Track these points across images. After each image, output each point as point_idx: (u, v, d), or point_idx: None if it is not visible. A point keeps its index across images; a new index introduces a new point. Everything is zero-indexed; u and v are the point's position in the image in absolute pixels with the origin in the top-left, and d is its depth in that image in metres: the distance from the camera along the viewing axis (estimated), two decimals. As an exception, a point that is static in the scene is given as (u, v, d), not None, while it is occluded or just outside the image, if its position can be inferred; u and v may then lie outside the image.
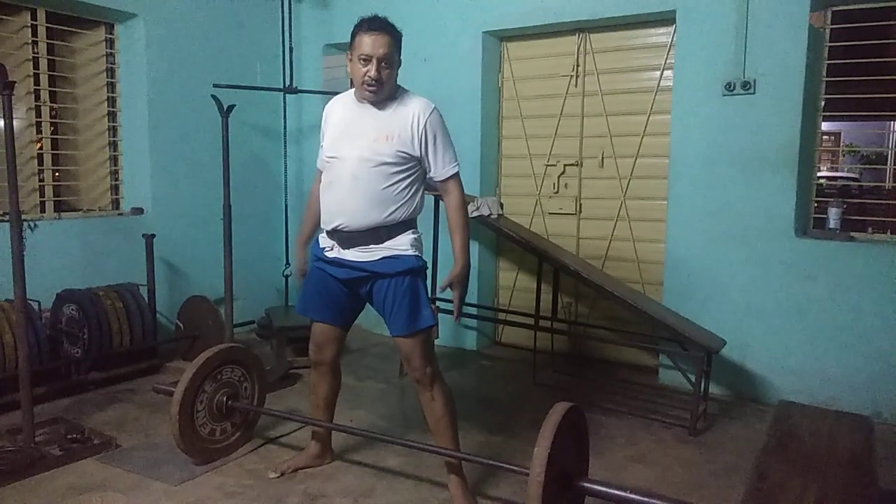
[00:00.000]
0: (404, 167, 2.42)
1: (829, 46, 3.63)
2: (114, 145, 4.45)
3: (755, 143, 3.66)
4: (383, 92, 2.41)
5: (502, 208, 4.13)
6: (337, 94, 2.64)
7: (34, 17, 3.96)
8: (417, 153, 2.42)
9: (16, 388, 2.94)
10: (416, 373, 2.48)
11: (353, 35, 2.40)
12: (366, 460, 2.93)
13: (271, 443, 3.11)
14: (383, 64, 2.36)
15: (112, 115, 4.41)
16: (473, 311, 4.59)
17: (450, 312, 4.36)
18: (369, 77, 2.35)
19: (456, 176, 2.48)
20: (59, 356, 3.71)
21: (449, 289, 2.49)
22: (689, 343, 3.43)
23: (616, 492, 2.05)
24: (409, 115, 2.40)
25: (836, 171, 10.25)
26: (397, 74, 2.46)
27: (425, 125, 2.39)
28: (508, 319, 4.55)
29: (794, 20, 3.51)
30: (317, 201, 2.69)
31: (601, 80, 4.31)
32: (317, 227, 2.76)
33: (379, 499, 2.62)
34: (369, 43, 2.34)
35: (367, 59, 2.35)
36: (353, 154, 2.42)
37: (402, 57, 2.48)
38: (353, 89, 2.51)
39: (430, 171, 2.47)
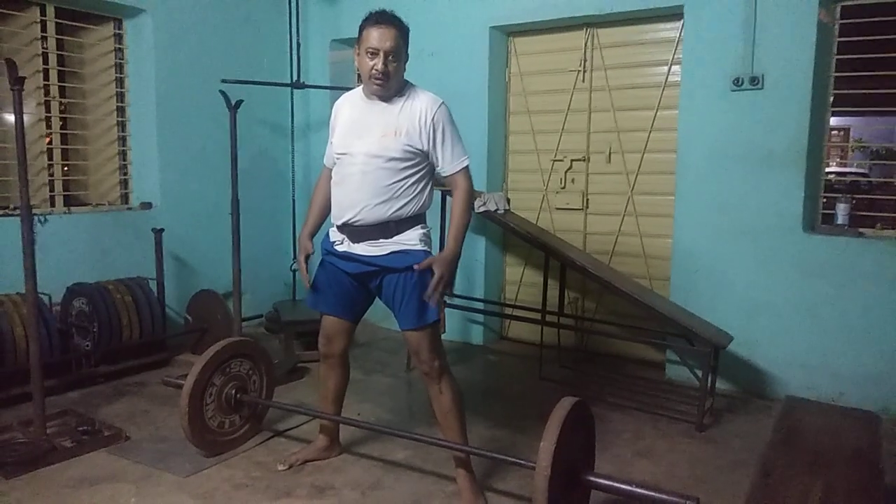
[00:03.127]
0: (413, 162, 2.43)
1: (839, 41, 3.61)
2: (122, 140, 4.47)
3: (763, 139, 3.65)
4: (390, 85, 2.42)
5: (509, 203, 4.13)
6: (344, 88, 2.66)
7: (43, 13, 3.98)
8: (425, 148, 2.42)
9: (27, 381, 2.97)
10: (425, 366, 2.50)
11: (361, 29, 2.42)
12: (373, 453, 2.95)
13: (279, 435, 3.13)
14: (390, 57, 2.37)
15: (121, 110, 4.43)
16: (480, 305, 4.60)
17: (457, 307, 4.41)
18: (376, 70, 2.36)
19: (465, 170, 2.48)
20: (70, 349, 3.74)
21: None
22: (697, 338, 3.43)
23: (622, 486, 2.06)
24: (417, 111, 2.41)
25: (845, 166, 10.19)
26: (405, 69, 2.47)
27: (433, 119, 2.40)
28: (515, 314, 4.56)
29: (802, 15, 3.50)
30: (321, 197, 2.70)
31: (608, 75, 4.30)
32: (322, 221, 2.77)
33: (386, 491, 2.63)
34: (377, 36, 2.36)
35: (374, 53, 2.36)
36: (362, 150, 2.43)
37: (409, 52, 2.49)
38: (361, 86, 2.53)
39: (437, 165, 2.47)
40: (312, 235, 2.77)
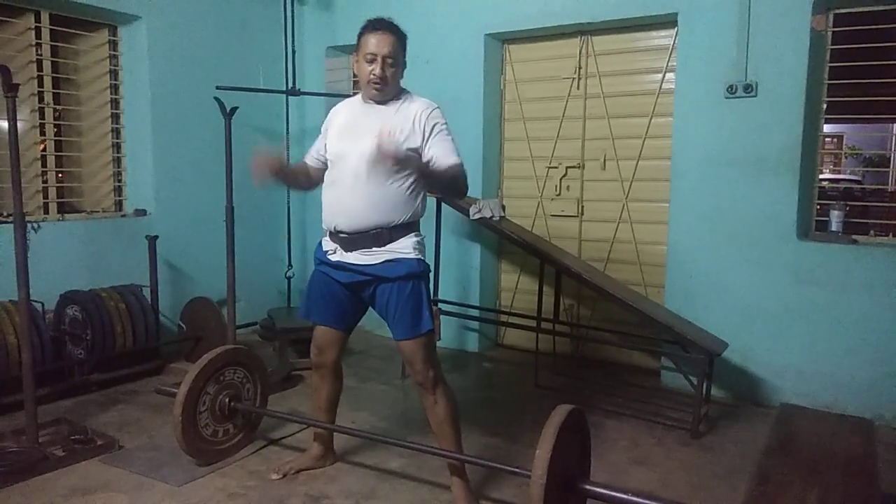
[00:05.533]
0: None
1: (831, 49, 3.63)
2: (117, 147, 4.46)
3: (757, 146, 3.66)
4: (388, 90, 2.44)
5: (504, 210, 4.13)
6: (339, 95, 2.66)
7: (38, 20, 3.97)
8: (420, 148, 2.41)
9: (19, 389, 2.95)
10: (419, 376, 2.49)
11: (360, 36, 2.46)
12: (368, 462, 2.93)
13: (273, 444, 3.11)
14: (388, 62, 2.40)
15: (115, 117, 4.42)
16: (475, 312, 4.60)
17: (453, 314, 4.41)
18: (374, 75, 2.39)
19: (461, 166, 2.42)
20: (63, 357, 3.72)
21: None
22: (691, 346, 3.43)
23: (618, 494, 2.06)
24: (412, 113, 2.43)
25: (839, 173, 10.24)
26: (402, 76, 2.49)
27: (426, 119, 2.41)
28: (510, 321, 4.56)
29: (795, 23, 3.52)
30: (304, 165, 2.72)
31: (603, 82, 4.31)
32: (300, 175, 2.70)
33: (381, 500, 2.62)
34: (374, 42, 2.40)
35: (372, 58, 2.40)
36: (356, 151, 2.43)
37: (405, 59, 2.51)
38: (360, 94, 2.56)
39: (431, 160, 2.40)
40: (285, 164, 2.73)
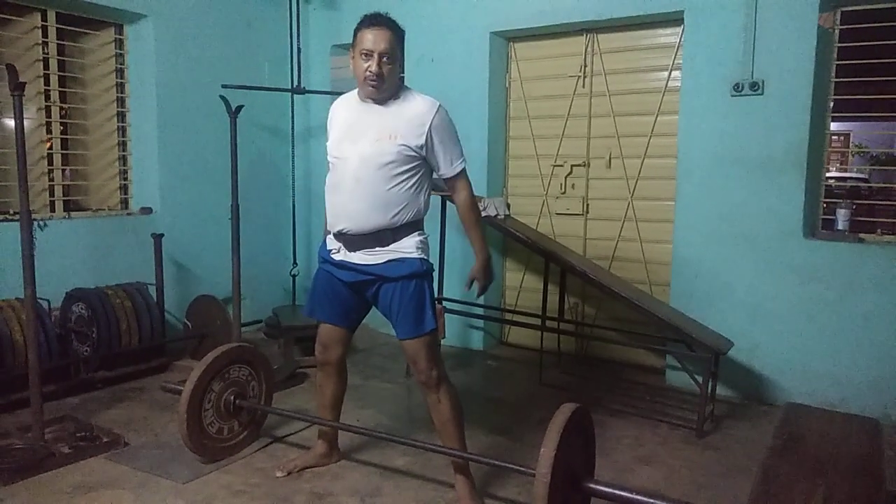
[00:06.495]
0: (408, 166, 2.40)
1: (838, 47, 3.61)
2: (123, 145, 4.47)
3: (763, 144, 3.65)
4: (385, 88, 2.40)
5: (509, 209, 4.13)
6: (344, 93, 2.65)
7: (44, 19, 3.98)
8: (423, 151, 2.40)
9: (26, 386, 2.96)
10: (422, 375, 2.49)
11: (356, 32, 2.40)
12: (372, 460, 2.94)
13: (278, 441, 3.12)
14: (385, 59, 2.35)
15: (121, 115, 4.44)
16: (480, 311, 4.59)
17: (457, 312, 4.41)
18: (370, 72, 2.34)
19: (464, 173, 2.48)
20: (69, 354, 3.74)
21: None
22: (697, 344, 3.42)
23: (622, 493, 2.05)
24: (414, 114, 2.39)
25: (846, 171, 10.20)
26: (400, 72, 2.47)
27: (431, 123, 2.38)
28: (515, 320, 4.55)
29: (802, 21, 3.50)
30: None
31: (609, 80, 4.30)
32: None
33: (385, 498, 2.62)
34: (371, 38, 2.35)
35: (368, 55, 2.35)
36: (356, 154, 2.41)
37: (411, 58, 2.49)
38: (357, 89, 2.51)
39: (437, 169, 2.46)
40: None
